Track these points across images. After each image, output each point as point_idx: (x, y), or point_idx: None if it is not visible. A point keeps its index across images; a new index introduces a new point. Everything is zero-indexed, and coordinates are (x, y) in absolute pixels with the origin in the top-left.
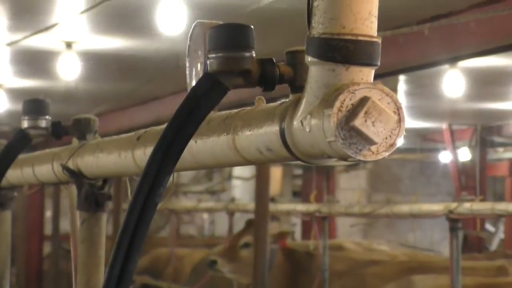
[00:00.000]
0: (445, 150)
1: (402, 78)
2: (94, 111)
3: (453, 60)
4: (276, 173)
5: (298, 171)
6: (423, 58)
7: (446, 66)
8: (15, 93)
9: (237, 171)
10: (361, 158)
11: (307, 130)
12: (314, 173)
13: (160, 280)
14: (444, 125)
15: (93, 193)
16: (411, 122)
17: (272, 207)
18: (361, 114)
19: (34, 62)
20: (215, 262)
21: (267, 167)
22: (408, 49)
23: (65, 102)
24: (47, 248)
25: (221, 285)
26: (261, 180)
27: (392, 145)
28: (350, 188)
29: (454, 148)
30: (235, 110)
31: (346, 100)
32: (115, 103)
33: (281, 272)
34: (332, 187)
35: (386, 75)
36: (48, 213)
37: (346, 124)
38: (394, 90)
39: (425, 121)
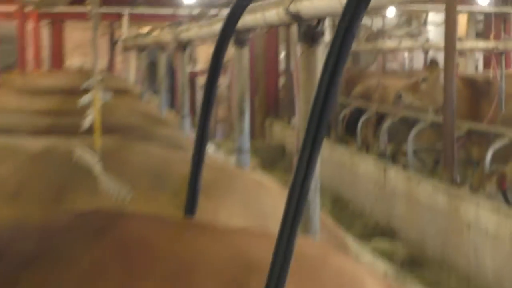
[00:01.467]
0: None
1: None
2: None
3: None
4: (462, 18)
5: (480, 17)
6: None
7: None
8: None
9: (431, 17)
10: None
11: None
12: (493, 17)
13: (370, 103)
14: None
15: (310, 31)
16: None
17: (458, 45)
18: None
19: None
20: (401, 96)
21: (455, 13)
22: None
23: None
24: (282, 81)
25: (418, 108)
26: (450, 23)
27: None
28: None
29: None
30: None
31: None
32: None
33: (463, 99)
34: (509, 29)
35: None
36: (283, 54)
37: None
38: None
39: None
